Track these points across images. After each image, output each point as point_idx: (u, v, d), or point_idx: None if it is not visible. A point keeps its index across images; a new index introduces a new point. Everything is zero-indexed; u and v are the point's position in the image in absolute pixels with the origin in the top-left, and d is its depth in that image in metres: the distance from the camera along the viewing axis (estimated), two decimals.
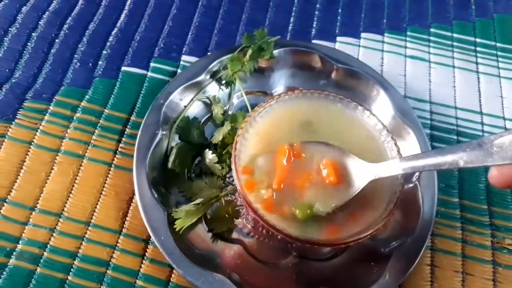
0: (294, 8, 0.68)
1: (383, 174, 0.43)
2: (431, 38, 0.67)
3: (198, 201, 0.49)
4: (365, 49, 0.65)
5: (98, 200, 0.51)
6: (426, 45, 0.66)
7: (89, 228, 0.49)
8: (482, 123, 0.60)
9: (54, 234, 0.49)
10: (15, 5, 0.65)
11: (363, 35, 0.66)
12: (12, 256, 0.47)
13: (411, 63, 0.64)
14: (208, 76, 0.56)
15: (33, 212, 0.50)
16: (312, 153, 0.45)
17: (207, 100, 0.56)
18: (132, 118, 0.56)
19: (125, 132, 0.55)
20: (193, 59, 0.62)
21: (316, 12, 0.68)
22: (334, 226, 0.43)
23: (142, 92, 0.59)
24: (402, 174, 0.44)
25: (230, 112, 0.57)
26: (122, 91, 0.59)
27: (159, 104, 0.53)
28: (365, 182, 0.43)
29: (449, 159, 0.37)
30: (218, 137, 0.52)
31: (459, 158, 0.37)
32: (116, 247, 0.49)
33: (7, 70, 0.59)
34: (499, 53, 0.66)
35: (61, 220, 0.50)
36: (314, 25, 0.67)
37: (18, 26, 0.63)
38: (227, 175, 0.52)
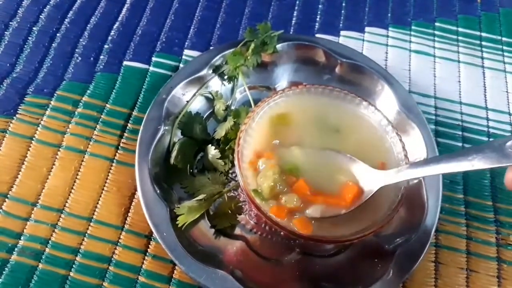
0: (297, 2, 0.68)
1: (393, 181, 0.42)
2: (436, 32, 0.66)
3: (200, 197, 0.48)
4: (369, 43, 0.64)
5: (100, 196, 0.51)
6: (431, 40, 0.65)
7: (91, 224, 0.49)
8: (488, 119, 0.59)
9: (56, 230, 0.49)
10: None
11: (367, 29, 0.66)
12: (14, 252, 0.47)
13: (416, 58, 0.63)
14: (210, 71, 0.56)
15: (35, 208, 0.50)
16: (325, 161, 0.44)
17: (210, 95, 0.56)
18: (134, 113, 0.56)
19: (127, 127, 0.55)
20: (195, 53, 0.61)
21: (320, 6, 0.68)
22: (338, 223, 0.43)
23: (144, 86, 0.58)
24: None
25: (233, 107, 0.56)
26: (124, 85, 0.58)
27: (161, 99, 0.53)
28: (375, 189, 0.43)
29: (461, 163, 0.37)
30: (220, 132, 0.52)
31: (472, 159, 0.36)
32: (118, 243, 0.48)
33: (8, 65, 0.59)
34: (504, 47, 0.65)
35: (62, 216, 0.49)
36: (318, 19, 0.66)
37: (19, 20, 0.63)
38: (230, 171, 0.51)
